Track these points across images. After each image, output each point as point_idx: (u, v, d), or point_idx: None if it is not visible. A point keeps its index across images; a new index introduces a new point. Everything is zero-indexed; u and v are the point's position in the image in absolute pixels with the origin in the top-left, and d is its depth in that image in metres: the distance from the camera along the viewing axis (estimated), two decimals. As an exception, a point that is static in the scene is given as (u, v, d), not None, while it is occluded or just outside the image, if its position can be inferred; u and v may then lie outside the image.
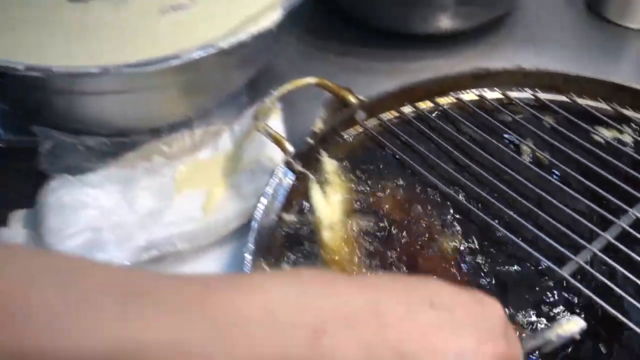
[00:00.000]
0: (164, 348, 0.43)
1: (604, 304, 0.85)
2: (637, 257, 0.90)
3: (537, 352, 0.77)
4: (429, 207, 0.98)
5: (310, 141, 1.02)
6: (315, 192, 0.98)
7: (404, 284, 0.58)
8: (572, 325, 0.77)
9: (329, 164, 1.02)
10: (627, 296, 0.86)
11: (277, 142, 1.00)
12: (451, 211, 0.98)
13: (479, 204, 0.98)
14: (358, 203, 0.98)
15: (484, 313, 0.58)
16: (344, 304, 0.51)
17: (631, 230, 0.94)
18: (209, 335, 0.44)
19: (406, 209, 0.98)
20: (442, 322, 0.54)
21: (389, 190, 1.00)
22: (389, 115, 1.12)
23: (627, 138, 1.09)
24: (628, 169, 1.02)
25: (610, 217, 0.95)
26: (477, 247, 0.93)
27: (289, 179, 0.98)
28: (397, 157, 1.06)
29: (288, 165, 0.98)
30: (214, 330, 0.45)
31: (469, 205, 0.98)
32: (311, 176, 0.99)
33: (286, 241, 0.93)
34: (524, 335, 0.78)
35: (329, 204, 0.97)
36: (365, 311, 0.51)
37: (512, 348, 0.60)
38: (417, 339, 0.52)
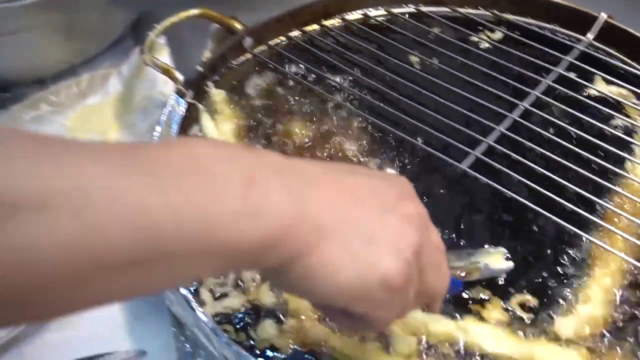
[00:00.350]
0: (103, 195, 0.42)
1: (502, 188, 0.88)
2: (528, 143, 0.93)
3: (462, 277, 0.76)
4: (333, 120, 0.99)
5: (200, 69, 1.00)
6: (206, 121, 0.97)
7: (326, 163, 0.58)
8: (498, 258, 0.76)
9: (217, 94, 1.01)
10: (524, 179, 0.89)
11: (166, 72, 0.99)
12: (355, 124, 0.99)
13: (379, 115, 0.99)
14: (253, 131, 0.98)
15: (400, 180, 0.60)
16: (272, 159, 0.52)
17: (522, 121, 0.97)
18: (144, 186, 0.43)
19: (306, 127, 0.98)
20: (361, 183, 0.55)
21: (283, 113, 1.00)
22: (277, 41, 1.12)
23: (507, 39, 1.12)
24: (514, 67, 1.05)
25: (502, 111, 0.98)
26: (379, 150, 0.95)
27: (181, 108, 0.96)
28: (290, 78, 1.05)
29: (179, 93, 0.96)
30: (150, 182, 0.44)
31: (367, 116, 0.99)
32: (201, 106, 0.98)
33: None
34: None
35: (220, 132, 0.97)
36: (290, 166, 0.53)
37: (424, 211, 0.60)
38: (339, 188, 0.53)
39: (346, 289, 0.52)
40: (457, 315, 0.78)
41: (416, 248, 0.55)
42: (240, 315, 0.79)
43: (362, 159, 0.94)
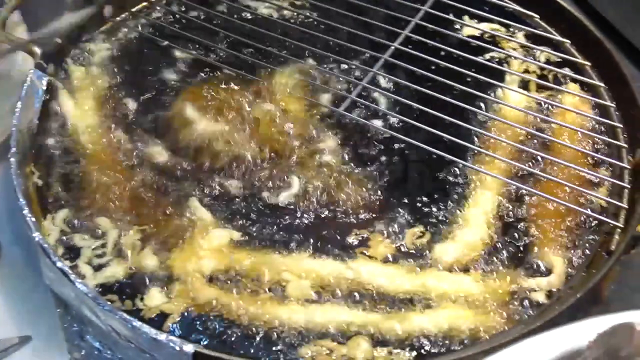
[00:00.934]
0: None
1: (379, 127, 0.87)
2: (403, 82, 0.93)
3: None
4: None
5: (58, 41, 0.95)
6: (64, 99, 0.93)
7: None
8: None
9: (76, 70, 0.97)
10: (399, 115, 0.88)
11: (23, 47, 0.94)
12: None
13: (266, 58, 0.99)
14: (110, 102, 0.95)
15: None
16: None
17: (394, 60, 0.97)
18: None
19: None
20: None
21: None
22: (139, 6, 1.07)
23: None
24: (382, 9, 1.04)
25: (374, 53, 0.98)
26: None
27: (42, 83, 0.91)
28: (158, 44, 1.02)
29: (39, 67, 0.91)
30: None
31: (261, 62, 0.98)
32: (59, 84, 0.93)
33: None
34: None
35: (80, 110, 0.93)
36: None
37: None
38: None
39: None
40: (346, 259, 0.78)
41: None
42: (124, 284, 0.76)
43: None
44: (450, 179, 0.85)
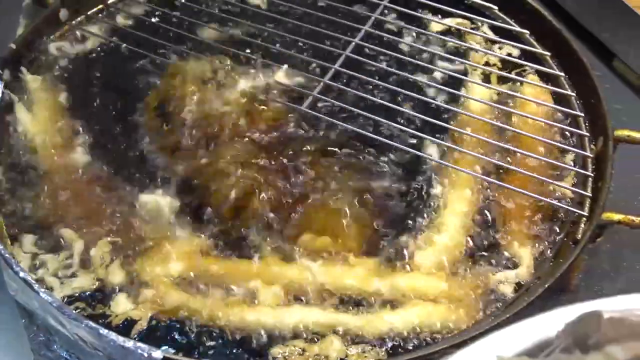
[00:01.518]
0: None
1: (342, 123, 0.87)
2: (365, 77, 0.93)
3: None
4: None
5: (13, 46, 0.94)
6: (21, 114, 0.90)
7: None
8: None
9: (32, 81, 0.94)
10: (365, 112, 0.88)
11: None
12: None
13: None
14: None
15: None
16: None
17: (355, 56, 0.96)
18: None
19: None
20: None
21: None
22: (94, 9, 1.06)
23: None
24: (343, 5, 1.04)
25: (335, 50, 0.97)
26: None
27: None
28: (120, 45, 1.01)
29: (-6, 76, 0.89)
30: None
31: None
32: (15, 97, 0.91)
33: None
34: None
35: (37, 122, 0.90)
36: None
37: None
38: None
39: None
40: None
41: None
42: (91, 294, 0.75)
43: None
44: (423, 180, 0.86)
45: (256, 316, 0.72)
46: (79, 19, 1.04)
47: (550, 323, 0.56)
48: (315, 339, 0.71)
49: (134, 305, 0.74)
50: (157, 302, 0.74)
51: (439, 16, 1.05)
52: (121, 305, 0.74)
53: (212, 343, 0.72)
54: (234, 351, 0.71)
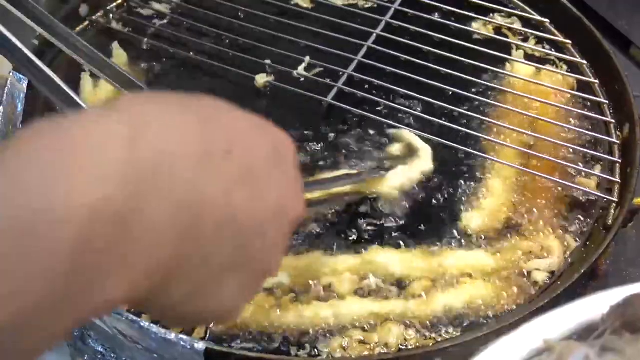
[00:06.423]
0: None
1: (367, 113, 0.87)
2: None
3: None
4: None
5: (35, 42, 0.93)
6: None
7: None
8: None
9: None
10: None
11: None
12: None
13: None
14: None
15: (282, 160, 0.50)
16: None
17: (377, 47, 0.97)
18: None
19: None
20: (240, 177, 0.45)
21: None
22: (113, 4, 1.06)
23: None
24: None
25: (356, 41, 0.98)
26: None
27: (23, 85, 0.89)
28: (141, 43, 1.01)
29: (17, 69, 0.89)
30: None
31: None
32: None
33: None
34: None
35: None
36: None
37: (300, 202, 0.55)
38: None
39: None
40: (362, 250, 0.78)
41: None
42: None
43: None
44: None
45: (312, 312, 0.72)
46: (99, 13, 1.04)
47: (593, 307, 0.56)
48: (373, 328, 0.71)
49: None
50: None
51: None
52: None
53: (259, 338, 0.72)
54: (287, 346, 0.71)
